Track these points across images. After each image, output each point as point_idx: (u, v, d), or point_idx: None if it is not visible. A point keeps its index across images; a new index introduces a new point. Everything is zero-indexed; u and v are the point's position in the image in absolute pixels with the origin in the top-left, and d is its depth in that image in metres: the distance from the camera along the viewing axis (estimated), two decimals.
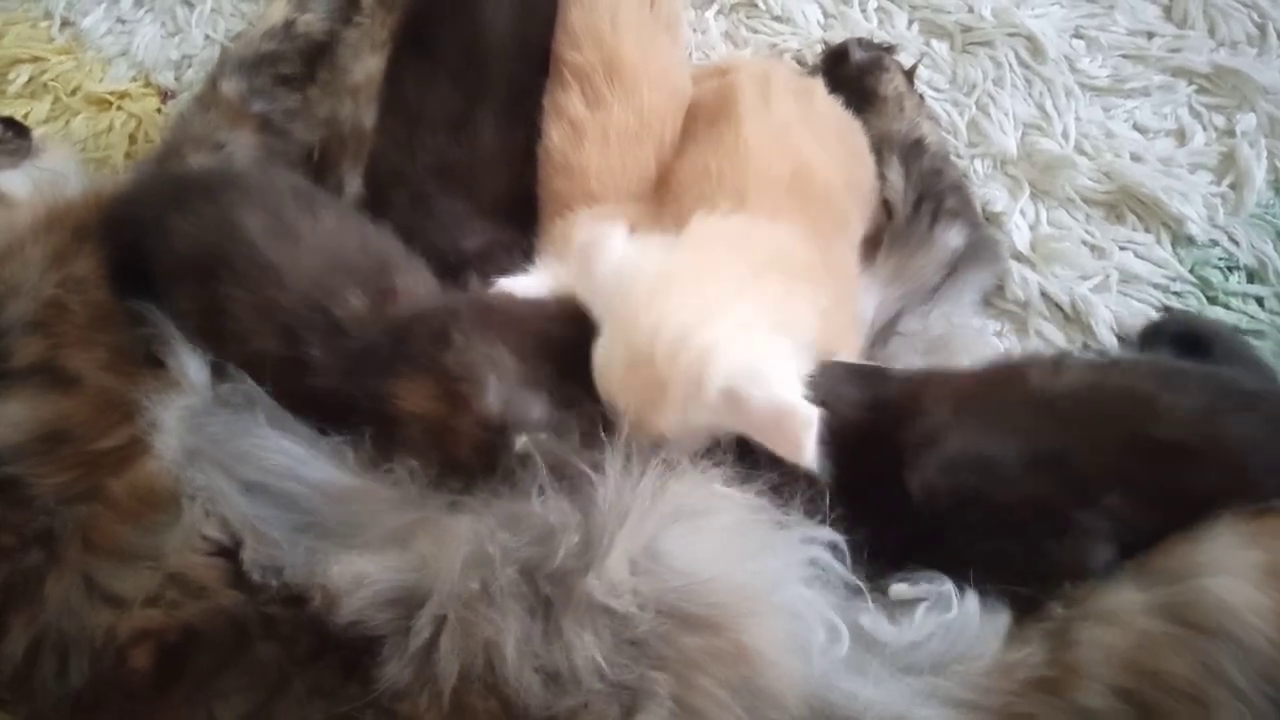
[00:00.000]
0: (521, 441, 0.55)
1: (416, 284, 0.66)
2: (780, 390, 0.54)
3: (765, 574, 0.53)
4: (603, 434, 0.56)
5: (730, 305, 0.57)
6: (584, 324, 0.60)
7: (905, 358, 0.71)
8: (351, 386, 0.60)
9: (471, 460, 0.57)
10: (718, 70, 0.80)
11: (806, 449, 0.53)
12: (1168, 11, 0.94)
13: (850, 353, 0.66)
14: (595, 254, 0.61)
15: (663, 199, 0.72)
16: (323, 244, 0.65)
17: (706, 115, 0.73)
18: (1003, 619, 0.55)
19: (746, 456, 0.57)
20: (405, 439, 0.58)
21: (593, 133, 0.73)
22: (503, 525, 0.54)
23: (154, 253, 0.66)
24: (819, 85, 0.80)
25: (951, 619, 0.54)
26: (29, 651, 0.59)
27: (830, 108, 0.78)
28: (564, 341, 0.60)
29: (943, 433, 0.56)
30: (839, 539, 0.55)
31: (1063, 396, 0.58)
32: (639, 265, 0.59)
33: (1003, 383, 0.61)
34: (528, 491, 0.55)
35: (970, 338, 0.74)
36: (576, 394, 0.58)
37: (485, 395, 0.57)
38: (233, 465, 0.58)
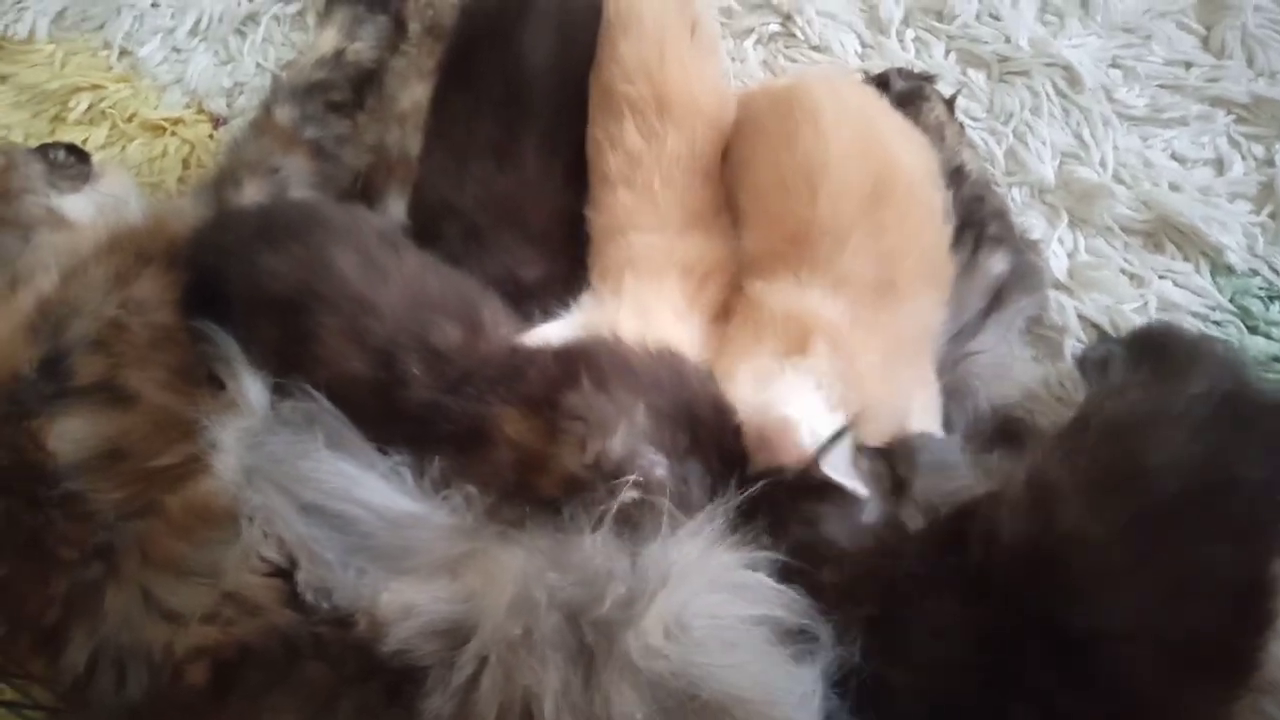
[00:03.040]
0: (631, 493, 0.56)
1: (499, 317, 0.68)
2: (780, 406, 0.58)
3: (792, 690, 0.52)
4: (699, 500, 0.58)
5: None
6: (720, 407, 0.63)
7: (975, 385, 0.72)
8: (451, 401, 0.62)
9: (552, 492, 0.58)
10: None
11: (792, 449, 0.57)
12: (1205, 42, 0.95)
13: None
14: None
15: (732, 218, 0.76)
16: (409, 281, 0.67)
17: (772, 123, 0.75)
18: None
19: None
20: (490, 458, 0.60)
21: (649, 162, 0.75)
22: (552, 564, 0.55)
23: (238, 281, 0.68)
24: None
25: None
26: (89, 663, 0.60)
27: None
28: (696, 414, 0.62)
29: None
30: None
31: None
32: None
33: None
34: (582, 529, 0.56)
35: (1021, 366, 0.74)
36: (693, 470, 0.59)
37: (610, 440, 0.58)
38: (291, 485, 0.59)
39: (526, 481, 0.60)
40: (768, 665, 0.52)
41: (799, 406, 0.60)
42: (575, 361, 0.63)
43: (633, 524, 0.56)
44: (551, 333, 0.70)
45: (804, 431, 0.59)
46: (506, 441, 0.61)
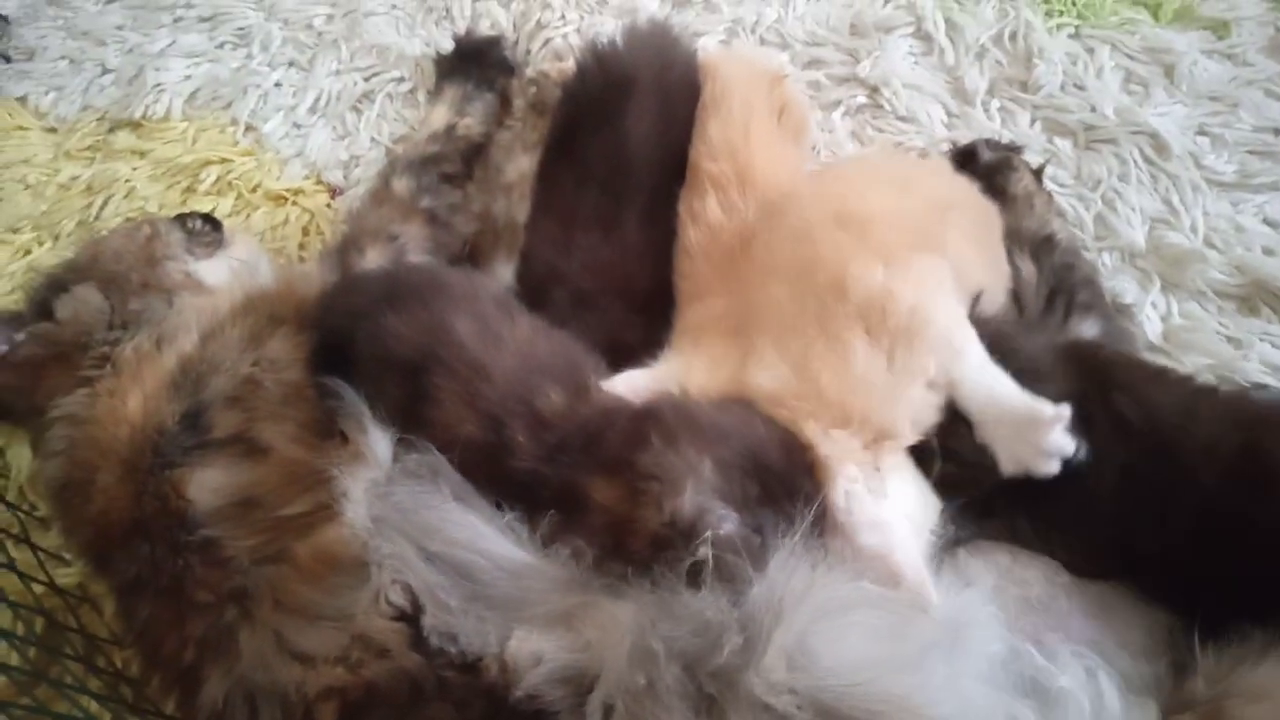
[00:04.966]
0: (704, 550, 0.58)
1: (602, 379, 0.71)
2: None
3: (925, 689, 0.53)
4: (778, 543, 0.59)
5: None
6: (790, 448, 0.64)
7: None
8: (548, 470, 0.64)
9: (644, 553, 0.60)
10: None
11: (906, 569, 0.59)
12: None
13: None
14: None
15: None
16: (521, 347, 0.71)
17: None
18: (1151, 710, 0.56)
19: None
20: (586, 523, 0.63)
21: (728, 235, 0.78)
22: (663, 616, 0.56)
23: (364, 342, 0.72)
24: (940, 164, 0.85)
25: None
26: (226, 700, 0.63)
27: (964, 192, 0.81)
28: (763, 462, 0.63)
29: None
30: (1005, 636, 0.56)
31: None
32: None
33: None
34: (685, 582, 0.58)
35: None
36: (765, 518, 0.61)
37: (680, 498, 0.60)
38: (417, 534, 0.62)
39: (620, 543, 0.62)
40: (900, 672, 0.53)
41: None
42: (644, 421, 0.65)
43: (723, 578, 0.58)
44: (632, 379, 0.72)
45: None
46: (598, 507, 0.63)
